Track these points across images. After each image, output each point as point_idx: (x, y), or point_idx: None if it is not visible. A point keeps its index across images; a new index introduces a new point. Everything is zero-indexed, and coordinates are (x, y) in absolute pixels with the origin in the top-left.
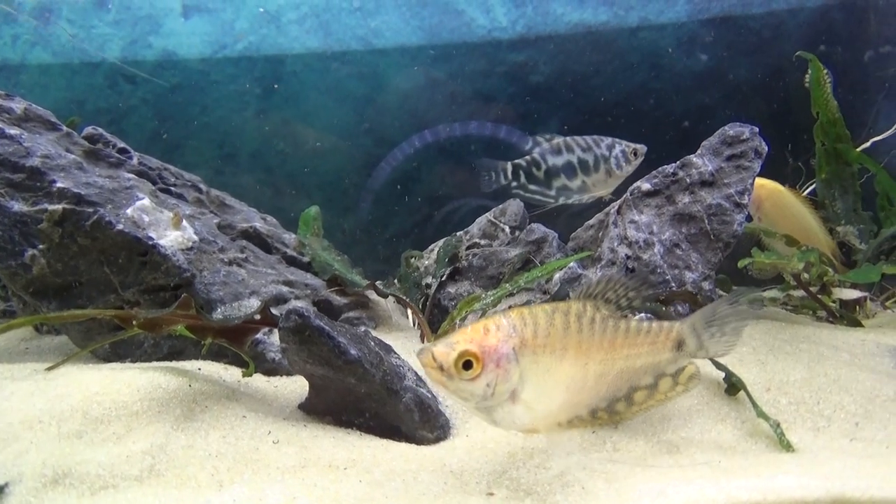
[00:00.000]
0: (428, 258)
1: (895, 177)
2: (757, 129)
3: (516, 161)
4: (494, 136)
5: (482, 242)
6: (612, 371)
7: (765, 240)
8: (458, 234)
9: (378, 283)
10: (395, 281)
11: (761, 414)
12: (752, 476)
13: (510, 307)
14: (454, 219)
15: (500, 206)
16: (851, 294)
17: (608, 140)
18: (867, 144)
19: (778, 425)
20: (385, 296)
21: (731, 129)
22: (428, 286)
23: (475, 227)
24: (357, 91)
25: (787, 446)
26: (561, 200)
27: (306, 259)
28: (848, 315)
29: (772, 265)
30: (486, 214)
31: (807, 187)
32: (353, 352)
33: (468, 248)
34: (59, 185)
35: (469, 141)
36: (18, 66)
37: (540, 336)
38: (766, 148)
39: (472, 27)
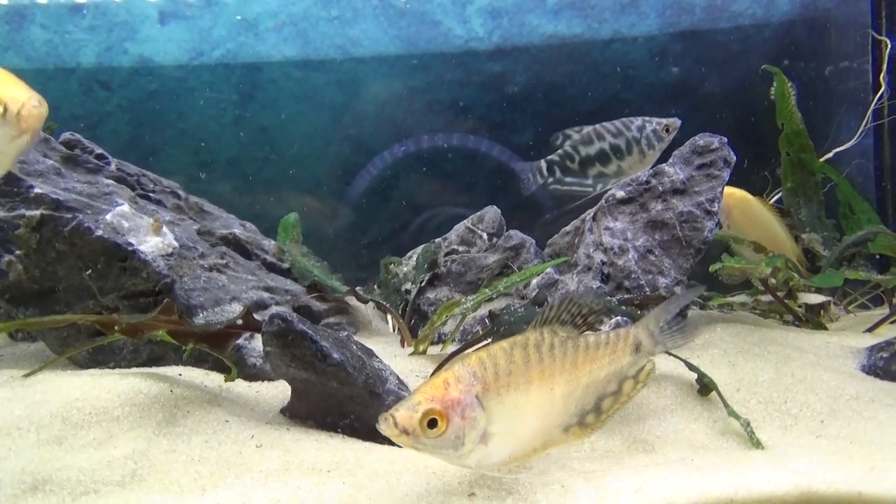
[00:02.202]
0: (407, 264)
1: (856, 186)
2: (726, 140)
3: (549, 157)
4: (465, 145)
5: (460, 249)
6: (578, 389)
7: (733, 246)
8: (436, 240)
9: (358, 288)
10: (376, 287)
11: (732, 413)
12: (724, 472)
13: (480, 336)
14: (430, 226)
15: (478, 213)
16: (816, 298)
17: (638, 121)
18: (830, 155)
19: (748, 424)
20: (365, 301)
21: (700, 139)
22: (408, 292)
23: (453, 234)
24: (334, 99)
25: (758, 444)
26: (599, 188)
27: (286, 265)
28: (813, 319)
29: (741, 270)
30: (464, 221)
31: (773, 196)
32: (335, 355)
33: (446, 254)
34: (36, 190)
35: (447, 150)
36: None
37: (501, 376)
38: (735, 157)
39: (448, 37)
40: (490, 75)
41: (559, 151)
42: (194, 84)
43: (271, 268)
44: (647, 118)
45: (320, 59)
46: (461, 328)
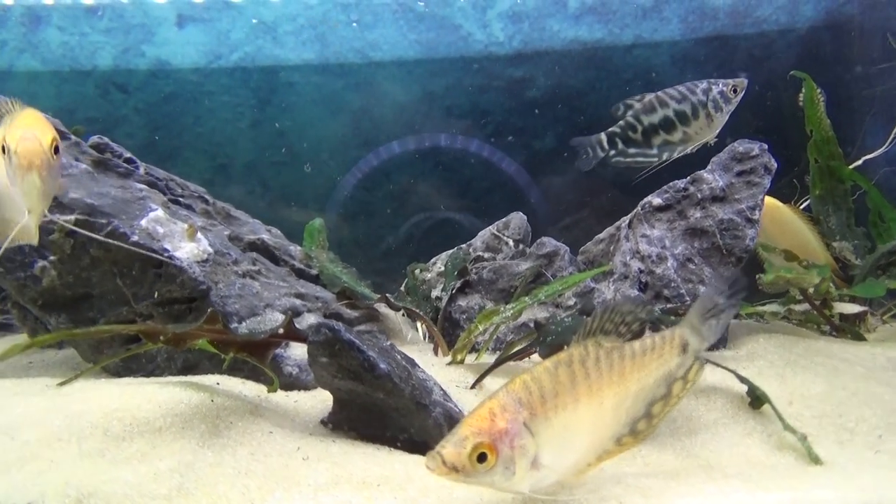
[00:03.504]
0: (431, 271)
1: (885, 194)
2: (766, 146)
3: (610, 129)
4: (466, 149)
5: (486, 255)
6: (627, 398)
7: (763, 255)
8: (462, 246)
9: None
10: (405, 293)
11: (788, 427)
12: (787, 489)
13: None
14: (444, 233)
15: (504, 219)
16: (852, 308)
17: (703, 84)
18: (859, 162)
19: (805, 438)
20: (397, 309)
21: (740, 146)
22: (438, 299)
23: (478, 240)
24: (353, 103)
25: (816, 459)
26: (665, 157)
27: (314, 271)
28: (851, 329)
29: (792, 280)
30: (490, 227)
31: (801, 203)
32: (382, 366)
33: (472, 261)
34: (71, 195)
35: (462, 155)
36: (5, 73)
37: (548, 398)
38: (776, 164)
39: (469, 42)
40: (510, 80)
41: (620, 122)
42: (211, 87)
43: (300, 274)
44: (713, 80)
45: (339, 62)
46: (495, 337)
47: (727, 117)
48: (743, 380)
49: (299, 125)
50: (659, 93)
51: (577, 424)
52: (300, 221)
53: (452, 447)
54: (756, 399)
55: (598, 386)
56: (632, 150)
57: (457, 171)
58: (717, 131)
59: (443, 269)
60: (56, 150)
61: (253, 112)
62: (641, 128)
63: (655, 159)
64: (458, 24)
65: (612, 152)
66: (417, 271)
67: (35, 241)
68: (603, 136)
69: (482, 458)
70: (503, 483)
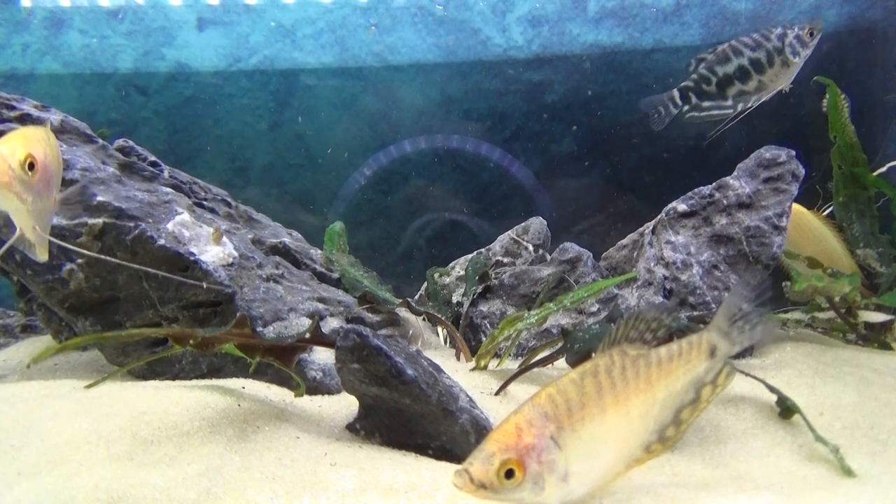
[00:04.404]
0: (450, 275)
1: None
2: (794, 153)
3: (682, 84)
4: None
5: (505, 260)
6: (655, 406)
7: (785, 262)
8: (482, 251)
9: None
10: (426, 298)
11: (819, 438)
12: (820, 501)
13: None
14: (462, 236)
15: (523, 224)
16: (878, 317)
17: (778, 29)
18: (883, 169)
19: (837, 450)
20: (419, 314)
21: (767, 152)
22: (459, 304)
23: (497, 245)
24: (371, 107)
25: (848, 471)
26: (740, 107)
27: (335, 275)
28: (878, 338)
29: (822, 289)
30: (509, 232)
31: (824, 209)
32: (409, 372)
33: (492, 266)
34: (99, 198)
35: (478, 159)
36: (28, 75)
37: (575, 410)
38: (804, 171)
39: (487, 46)
40: (529, 84)
41: (692, 77)
42: (231, 90)
43: (322, 278)
44: (787, 24)
45: (357, 66)
46: (517, 342)
47: (803, 63)
48: (772, 389)
49: (317, 128)
50: (732, 41)
51: (605, 435)
52: (316, 224)
53: (480, 464)
54: (786, 409)
55: (625, 395)
56: (706, 104)
57: (473, 174)
58: (793, 78)
59: (462, 273)
60: (31, 166)
61: (271, 115)
62: (716, 79)
63: (731, 111)
64: (476, 27)
65: (686, 108)
66: (436, 275)
67: (42, 257)
68: (675, 91)
69: (510, 474)
70: (533, 499)
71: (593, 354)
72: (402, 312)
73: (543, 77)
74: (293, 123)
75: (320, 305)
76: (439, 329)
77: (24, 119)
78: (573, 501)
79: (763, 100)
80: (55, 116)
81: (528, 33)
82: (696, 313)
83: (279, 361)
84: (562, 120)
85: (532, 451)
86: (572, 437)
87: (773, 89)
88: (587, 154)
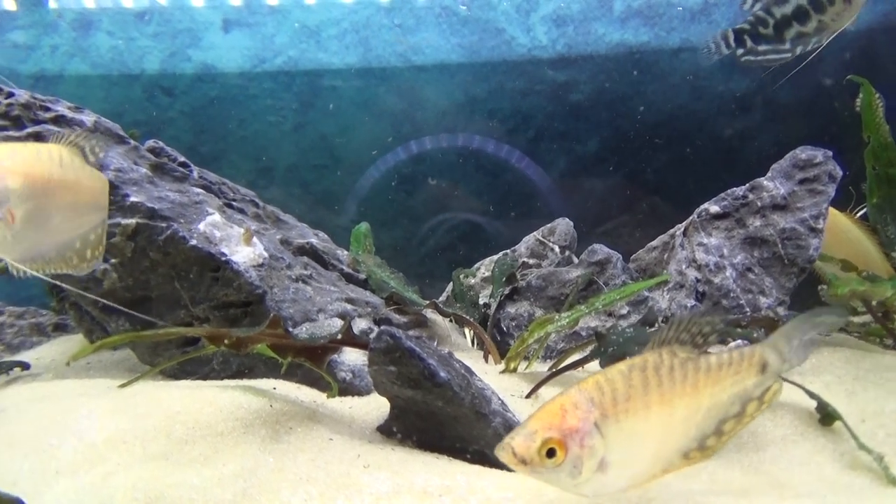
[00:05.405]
0: (476, 276)
1: None
2: (830, 153)
3: (738, 26)
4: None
5: (531, 262)
6: (699, 412)
7: (818, 264)
8: (507, 252)
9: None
10: (453, 299)
11: (862, 446)
12: None
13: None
14: (484, 237)
15: (549, 225)
16: None
17: None
18: None
19: (882, 458)
20: (447, 315)
21: (802, 153)
22: (486, 306)
23: (522, 246)
24: (395, 107)
25: (893, 481)
26: (798, 51)
27: (362, 276)
28: None
29: (863, 293)
30: (534, 233)
31: (857, 211)
32: (442, 374)
33: (518, 267)
34: (132, 199)
35: (502, 160)
36: (57, 76)
37: (620, 402)
38: (841, 172)
39: (512, 46)
40: (553, 84)
41: (748, 19)
42: (255, 91)
43: (349, 278)
44: None
45: (381, 66)
46: (545, 344)
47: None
48: (812, 395)
49: (341, 129)
50: None
51: (646, 432)
52: (339, 225)
53: (522, 439)
54: (826, 416)
55: (671, 395)
56: (762, 47)
57: (496, 175)
58: (855, 16)
59: (487, 274)
60: None
61: (296, 115)
62: (773, 21)
63: (788, 54)
64: (501, 27)
65: (741, 51)
66: (462, 276)
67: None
68: (730, 31)
69: (551, 453)
70: (569, 483)
71: (627, 358)
72: (429, 314)
73: (568, 77)
74: (317, 124)
75: (349, 306)
76: (466, 330)
77: (59, 120)
78: (606, 496)
79: (823, 43)
80: (88, 118)
81: (553, 33)
82: (730, 317)
83: (311, 362)
84: (586, 120)
85: (575, 434)
86: (615, 428)
87: (834, 30)
88: (612, 155)
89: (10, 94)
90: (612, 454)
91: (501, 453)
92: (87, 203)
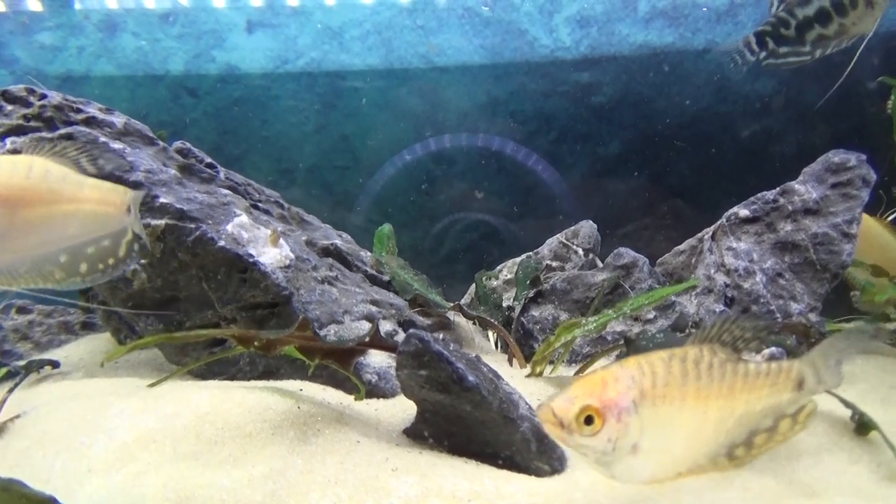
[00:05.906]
0: (498, 279)
1: None
2: (864, 157)
3: (759, 29)
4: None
5: (554, 265)
6: (731, 417)
7: (847, 270)
8: (531, 254)
9: (461, 303)
10: (477, 301)
11: None
12: None
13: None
14: (504, 239)
15: (572, 227)
16: None
17: None
18: None
19: None
20: (471, 318)
21: (835, 157)
22: (510, 309)
23: (545, 249)
24: (417, 108)
25: None
26: (818, 54)
27: (386, 278)
28: None
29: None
30: (557, 236)
31: (888, 216)
32: (470, 378)
33: (542, 270)
34: (161, 200)
35: (523, 161)
36: (83, 77)
37: (659, 386)
38: (875, 176)
39: (534, 47)
40: (576, 85)
41: (769, 21)
42: (278, 92)
43: (372, 280)
44: None
45: (403, 67)
46: (570, 348)
47: (888, 4)
48: (847, 404)
49: (363, 130)
50: None
51: (679, 422)
52: (360, 226)
53: (562, 402)
54: (862, 425)
55: (707, 392)
56: (783, 49)
57: (518, 177)
58: (878, 22)
59: (509, 277)
60: None
61: (318, 117)
62: (795, 22)
63: (808, 57)
64: (524, 28)
65: (763, 53)
66: (484, 279)
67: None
68: (752, 36)
69: (589, 420)
70: (601, 457)
71: None
72: (452, 316)
73: (591, 78)
74: (339, 125)
75: (373, 308)
76: (490, 333)
77: (90, 122)
78: (634, 481)
79: (842, 46)
80: (118, 119)
81: (577, 34)
82: (771, 322)
83: (338, 364)
84: (609, 122)
85: (614, 406)
86: (651, 411)
87: (854, 34)
88: (635, 157)
89: (44, 96)
90: (646, 438)
91: (541, 413)
92: (72, 215)
